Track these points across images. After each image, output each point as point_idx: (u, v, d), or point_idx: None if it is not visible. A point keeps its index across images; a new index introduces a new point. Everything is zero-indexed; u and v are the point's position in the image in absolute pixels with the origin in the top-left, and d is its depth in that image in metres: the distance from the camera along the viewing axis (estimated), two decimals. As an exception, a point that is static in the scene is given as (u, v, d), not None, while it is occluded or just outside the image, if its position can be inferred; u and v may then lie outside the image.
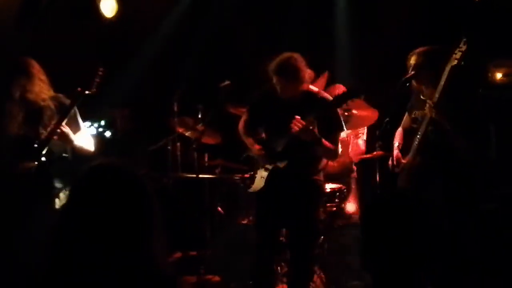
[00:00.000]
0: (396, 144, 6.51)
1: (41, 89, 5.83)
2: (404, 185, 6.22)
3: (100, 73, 5.82)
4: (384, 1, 8.99)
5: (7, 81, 5.79)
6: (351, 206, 7.89)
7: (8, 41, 7.08)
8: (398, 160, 6.37)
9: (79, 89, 5.77)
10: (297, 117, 5.76)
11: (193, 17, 9.68)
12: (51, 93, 5.91)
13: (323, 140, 5.90)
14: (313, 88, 6.20)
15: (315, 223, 6.28)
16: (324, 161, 6.32)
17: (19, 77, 5.74)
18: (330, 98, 6.12)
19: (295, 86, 5.97)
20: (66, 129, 5.74)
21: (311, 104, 5.96)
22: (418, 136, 6.13)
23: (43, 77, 5.85)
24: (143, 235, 2.40)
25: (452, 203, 6.04)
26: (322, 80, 7.46)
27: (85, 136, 6.01)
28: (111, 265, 2.30)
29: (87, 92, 5.78)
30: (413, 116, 6.35)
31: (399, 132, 6.59)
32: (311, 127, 5.77)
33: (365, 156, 7.88)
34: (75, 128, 5.90)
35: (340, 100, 5.84)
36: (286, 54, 5.98)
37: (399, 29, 8.69)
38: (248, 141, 6.35)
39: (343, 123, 6.22)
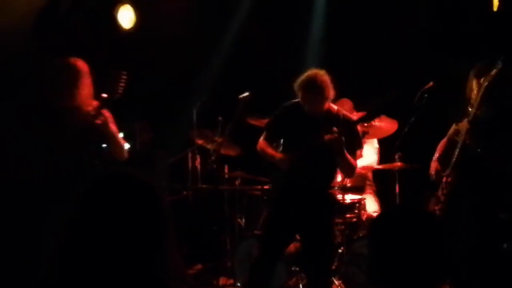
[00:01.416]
0: (436, 155, 6.43)
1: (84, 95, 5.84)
2: (442, 200, 6.16)
3: (123, 79, 5.83)
4: (400, 11, 8.97)
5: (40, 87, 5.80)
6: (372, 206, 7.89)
7: (26, 50, 7.12)
8: (437, 171, 6.30)
9: (103, 95, 5.79)
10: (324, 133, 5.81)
11: (213, 29, 9.71)
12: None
13: (346, 153, 5.93)
14: (333, 106, 6.21)
15: (331, 236, 6.29)
16: (337, 176, 6.34)
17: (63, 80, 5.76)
18: (351, 116, 6.22)
19: (322, 102, 6.00)
20: (108, 116, 5.78)
21: (333, 121, 5.98)
22: (457, 150, 6.06)
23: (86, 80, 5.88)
24: (155, 246, 2.36)
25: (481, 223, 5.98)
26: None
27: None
28: (121, 276, 2.28)
29: (112, 98, 5.80)
30: (455, 127, 6.30)
31: (442, 142, 6.50)
32: (340, 138, 5.80)
33: (380, 166, 7.86)
34: None
35: (363, 120, 5.89)
36: (313, 71, 6.03)
37: (416, 39, 8.69)
38: (268, 153, 6.34)
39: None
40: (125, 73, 5.76)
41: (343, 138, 5.81)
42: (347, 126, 5.99)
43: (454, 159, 6.05)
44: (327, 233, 6.15)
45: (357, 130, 6.17)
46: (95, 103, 5.77)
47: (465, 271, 5.78)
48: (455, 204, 6.01)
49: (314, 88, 5.95)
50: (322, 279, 6.19)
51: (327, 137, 5.80)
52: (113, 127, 5.83)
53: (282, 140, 6.34)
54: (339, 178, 6.96)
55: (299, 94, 6.04)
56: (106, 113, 5.74)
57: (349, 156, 5.96)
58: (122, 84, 5.73)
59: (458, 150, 6.02)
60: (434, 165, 6.32)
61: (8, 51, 7.03)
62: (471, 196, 5.95)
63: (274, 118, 6.41)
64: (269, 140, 6.40)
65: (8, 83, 6.83)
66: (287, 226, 6.17)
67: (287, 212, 6.12)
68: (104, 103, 5.73)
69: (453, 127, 6.39)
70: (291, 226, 6.18)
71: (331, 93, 6.02)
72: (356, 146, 6.16)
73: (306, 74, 6.01)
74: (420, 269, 2.69)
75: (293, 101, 6.21)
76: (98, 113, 5.69)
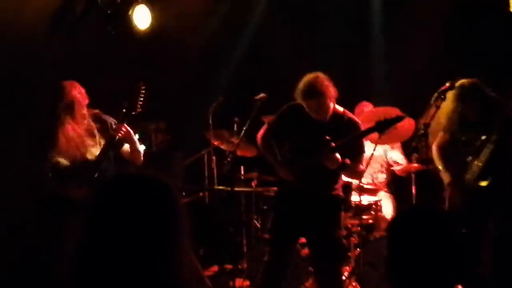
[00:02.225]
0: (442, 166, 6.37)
1: (83, 114, 5.88)
2: None
3: (142, 91, 5.87)
4: (419, 12, 8.93)
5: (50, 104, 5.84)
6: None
7: (41, 50, 7.14)
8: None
9: (124, 110, 5.83)
10: (328, 138, 5.77)
11: (229, 30, 9.70)
12: (90, 112, 5.96)
13: (348, 162, 5.87)
14: (338, 108, 6.16)
15: (337, 241, 6.23)
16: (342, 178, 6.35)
17: (62, 105, 5.79)
18: (355, 118, 6.21)
19: (326, 103, 5.95)
20: (129, 129, 5.89)
21: (340, 125, 5.98)
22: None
23: (84, 97, 5.91)
24: (170, 246, 2.34)
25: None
26: None
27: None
28: (137, 277, 2.27)
29: (132, 113, 5.86)
30: (445, 135, 6.28)
31: (438, 154, 6.43)
32: (336, 157, 5.76)
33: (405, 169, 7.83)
34: None
35: (382, 125, 5.81)
36: (311, 76, 5.97)
37: (434, 39, 8.65)
38: (268, 156, 6.33)
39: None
40: (143, 85, 5.81)
41: (337, 149, 5.77)
42: (352, 129, 5.98)
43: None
44: (333, 235, 6.12)
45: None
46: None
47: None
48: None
49: (314, 93, 5.89)
50: (332, 282, 6.16)
51: (319, 156, 5.77)
52: (133, 136, 5.90)
53: (284, 141, 6.32)
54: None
55: (301, 102, 6.01)
56: (124, 127, 5.81)
57: (352, 164, 5.91)
58: (142, 98, 5.79)
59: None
60: (447, 177, 6.26)
61: (24, 52, 7.04)
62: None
63: (278, 118, 6.38)
64: (269, 137, 6.40)
65: (24, 84, 6.83)
66: (293, 230, 6.15)
67: (292, 216, 6.10)
68: (124, 118, 5.79)
69: (441, 134, 6.32)
70: (296, 230, 6.16)
71: (333, 94, 5.97)
72: (359, 151, 6.12)
73: (303, 80, 5.96)
74: (436, 270, 2.69)
75: (297, 102, 6.16)
76: (118, 128, 5.77)
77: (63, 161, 5.77)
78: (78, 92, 5.86)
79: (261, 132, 6.48)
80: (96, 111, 6.03)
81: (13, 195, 6.42)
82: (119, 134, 5.83)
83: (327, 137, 5.76)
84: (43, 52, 7.14)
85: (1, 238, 6.58)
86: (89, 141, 5.86)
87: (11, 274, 6.42)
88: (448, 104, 6.01)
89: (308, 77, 5.96)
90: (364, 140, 6.46)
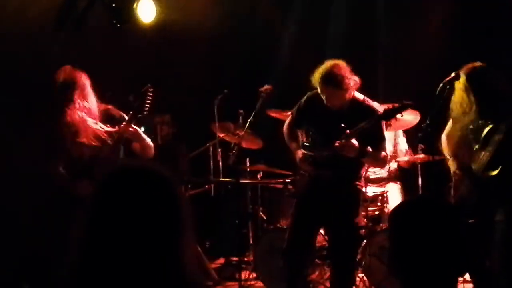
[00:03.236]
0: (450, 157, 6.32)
1: (92, 105, 5.87)
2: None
3: (150, 93, 5.85)
4: (424, 4, 8.91)
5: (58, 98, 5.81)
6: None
7: (46, 46, 7.13)
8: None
9: (131, 112, 5.82)
10: (343, 125, 5.74)
11: (234, 21, 9.68)
12: (101, 107, 5.95)
13: (369, 150, 5.84)
14: (358, 95, 6.08)
15: (356, 227, 6.22)
16: (365, 167, 6.29)
17: (70, 92, 5.77)
18: (376, 107, 6.11)
19: (342, 94, 5.88)
20: (136, 128, 5.89)
21: (358, 113, 5.89)
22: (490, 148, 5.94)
23: (91, 90, 5.89)
24: (172, 239, 2.32)
25: None
26: None
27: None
28: (139, 270, 2.25)
29: (139, 116, 5.86)
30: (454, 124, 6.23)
31: (448, 141, 6.39)
32: (352, 144, 5.73)
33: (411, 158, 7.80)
34: None
35: (390, 113, 5.77)
36: (330, 62, 5.90)
37: (440, 30, 8.63)
38: (292, 146, 6.32)
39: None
40: (151, 87, 5.79)
41: (355, 136, 5.75)
42: (369, 117, 5.88)
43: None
44: (350, 225, 6.09)
45: (379, 121, 6.01)
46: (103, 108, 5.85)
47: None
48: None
49: (332, 80, 5.81)
50: (348, 271, 6.15)
51: (337, 144, 5.74)
52: (142, 135, 5.92)
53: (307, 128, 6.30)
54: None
55: (318, 88, 5.96)
56: (132, 127, 5.81)
57: (372, 152, 5.88)
58: (149, 100, 5.78)
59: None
60: (454, 166, 6.20)
61: (30, 47, 7.04)
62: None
63: (299, 105, 6.36)
64: (294, 125, 6.38)
65: (29, 82, 6.82)
66: (313, 219, 6.13)
67: (313, 205, 6.08)
68: (131, 119, 5.79)
69: (450, 123, 6.27)
70: (316, 219, 6.14)
71: (352, 82, 5.88)
72: (379, 139, 6.05)
73: (323, 67, 5.88)
74: (439, 261, 2.67)
75: (315, 92, 6.11)
76: (126, 128, 5.77)
77: (74, 153, 5.76)
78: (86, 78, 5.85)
79: (287, 122, 6.46)
80: (109, 106, 6.01)
81: (23, 191, 6.42)
82: (127, 135, 5.84)
83: (343, 125, 5.73)
84: (49, 47, 7.13)
85: (8, 234, 6.58)
86: (99, 130, 5.84)
87: (18, 270, 6.42)
88: (457, 91, 5.96)
89: (329, 63, 5.88)
90: None
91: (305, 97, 6.30)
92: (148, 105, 5.85)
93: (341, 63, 5.88)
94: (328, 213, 6.02)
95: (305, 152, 6.14)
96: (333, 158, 5.92)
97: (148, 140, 6.05)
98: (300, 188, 6.36)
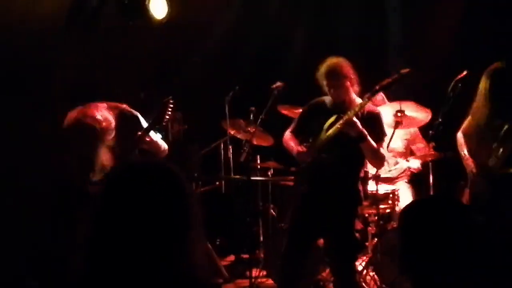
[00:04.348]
0: (466, 153, 6.28)
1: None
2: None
3: (170, 106, 5.83)
4: (436, 3, 8.88)
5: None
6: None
7: (57, 43, 7.14)
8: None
9: (150, 121, 5.83)
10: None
11: (245, 19, 9.67)
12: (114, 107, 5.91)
13: (368, 137, 5.88)
14: (357, 98, 6.16)
15: (353, 234, 6.24)
16: (364, 168, 6.38)
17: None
18: (375, 108, 6.25)
19: (345, 86, 6.01)
20: (153, 137, 5.92)
21: (359, 116, 5.96)
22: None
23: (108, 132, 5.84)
24: (181, 236, 2.32)
25: None
26: None
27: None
28: (146, 267, 2.25)
29: (157, 126, 5.87)
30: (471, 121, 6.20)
31: (462, 138, 6.35)
32: (356, 123, 5.80)
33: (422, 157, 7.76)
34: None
35: (384, 87, 5.88)
36: (333, 59, 6.05)
37: (452, 28, 8.60)
38: (291, 145, 6.34)
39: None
40: (170, 99, 5.79)
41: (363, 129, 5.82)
42: (372, 120, 6.02)
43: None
44: (348, 232, 6.12)
45: (380, 120, 6.15)
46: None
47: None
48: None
49: (336, 75, 5.98)
50: (347, 277, 6.15)
51: (342, 122, 5.80)
52: (160, 143, 5.98)
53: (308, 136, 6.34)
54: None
55: (323, 83, 6.06)
56: (149, 137, 5.81)
57: (372, 142, 5.92)
58: (169, 112, 5.78)
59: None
60: (471, 163, 6.16)
61: (41, 46, 7.05)
62: None
63: (302, 113, 6.48)
64: (295, 133, 6.40)
65: (41, 78, 6.84)
66: (313, 220, 6.13)
67: (313, 206, 6.08)
68: (149, 129, 5.78)
69: (468, 120, 6.24)
70: (317, 220, 6.14)
71: (354, 80, 6.05)
72: (380, 135, 6.11)
73: (327, 62, 6.03)
74: (449, 260, 2.65)
75: (318, 98, 6.27)
76: (142, 138, 5.76)
77: (90, 155, 5.76)
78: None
79: (288, 130, 6.48)
80: (124, 105, 5.98)
81: (36, 188, 6.43)
82: (143, 146, 5.84)
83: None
84: (60, 44, 7.14)
85: (17, 232, 6.59)
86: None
87: (26, 268, 6.44)
88: (479, 90, 5.94)
89: (331, 60, 6.04)
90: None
91: (305, 107, 6.44)
92: (168, 116, 5.85)
93: (344, 60, 6.06)
94: (325, 219, 6.04)
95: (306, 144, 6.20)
96: (333, 154, 5.99)
97: (164, 146, 6.05)
98: (299, 185, 6.39)
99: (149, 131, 5.82)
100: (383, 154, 6.17)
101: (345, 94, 6.05)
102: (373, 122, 6.03)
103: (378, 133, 6.08)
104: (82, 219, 5.31)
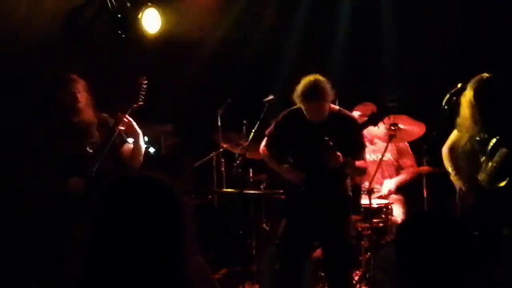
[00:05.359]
0: (452, 171, 6.27)
1: (86, 106, 5.85)
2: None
3: (144, 85, 5.86)
4: (432, 11, 8.87)
5: (51, 97, 5.83)
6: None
7: (52, 54, 7.12)
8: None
9: (126, 102, 5.81)
10: (326, 139, 5.81)
11: (237, 32, 9.66)
12: (98, 115, 5.94)
13: (351, 160, 5.93)
14: (334, 107, 6.23)
15: (349, 240, 6.24)
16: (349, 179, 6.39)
17: (64, 92, 5.76)
18: (352, 115, 6.37)
19: (323, 109, 6.02)
20: (130, 119, 5.87)
21: (337, 123, 6.04)
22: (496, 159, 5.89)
23: (87, 94, 5.87)
24: (174, 249, 2.31)
25: None
26: None
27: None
28: (141, 280, 2.24)
29: (134, 105, 5.84)
30: (458, 134, 6.20)
31: (447, 154, 6.35)
32: (335, 154, 5.82)
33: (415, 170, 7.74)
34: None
35: (375, 118, 5.89)
36: (309, 78, 6.02)
37: (445, 41, 8.60)
38: (274, 164, 6.34)
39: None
40: (145, 79, 5.80)
41: (334, 145, 5.81)
42: (349, 125, 6.10)
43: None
44: (344, 238, 6.12)
45: (358, 130, 6.23)
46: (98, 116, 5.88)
47: None
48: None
49: (314, 96, 5.95)
50: (343, 285, 6.14)
51: (321, 154, 5.84)
52: (136, 127, 5.87)
53: (286, 148, 6.32)
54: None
55: (300, 104, 6.06)
56: (126, 118, 5.79)
57: (354, 162, 5.97)
58: (143, 92, 5.78)
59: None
60: (458, 180, 6.16)
61: (36, 56, 7.02)
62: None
63: (275, 126, 6.44)
64: (271, 148, 6.43)
65: (37, 86, 6.81)
66: (304, 236, 6.12)
67: (302, 222, 6.07)
68: (126, 109, 5.77)
69: (455, 134, 6.25)
70: (308, 234, 6.13)
71: (331, 97, 6.03)
72: (359, 147, 6.17)
73: (303, 82, 6.01)
74: (446, 276, 2.64)
75: (292, 108, 6.29)
76: (119, 120, 5.74)
77: (64, 151, 5.74)
78: (83, 86, 5.82)
79: (262, 144, 6.48)
80: (105, 114, 5.99)
81: (19, 192, 6.40)
82: (121, 126, 5.81)
83: (325, 138, 5.79)
84: (55, 56, 7.12)
85: (6, 236, 6.56)
86: (91, 135, 5.83)
87: (27, 270, 6.41)
88: (464, 103, 5.95)
89: (307, 79, 6.02)
90: (374, 139, 6.48)
91: (281, 116, 6.44)
92: (143, 96, 5.84)
93: (320, 77, 6.02)
94: (318, 229, 6.04)
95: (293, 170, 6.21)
96: (316, 172, 6.03)
97: (141, 157, 6.00)
98: (288, 205, 6.37)
99: (127, 112, 5.82)
100: (363, 167, 6.23)
101: (324, 114, 6.05)
102: (353, 131, 6.10)
103: (357, 143, 6.14)
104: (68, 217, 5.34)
